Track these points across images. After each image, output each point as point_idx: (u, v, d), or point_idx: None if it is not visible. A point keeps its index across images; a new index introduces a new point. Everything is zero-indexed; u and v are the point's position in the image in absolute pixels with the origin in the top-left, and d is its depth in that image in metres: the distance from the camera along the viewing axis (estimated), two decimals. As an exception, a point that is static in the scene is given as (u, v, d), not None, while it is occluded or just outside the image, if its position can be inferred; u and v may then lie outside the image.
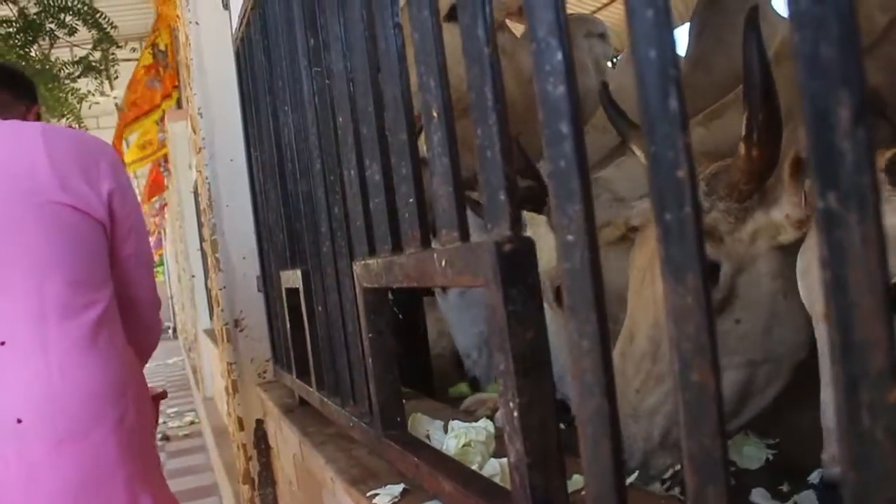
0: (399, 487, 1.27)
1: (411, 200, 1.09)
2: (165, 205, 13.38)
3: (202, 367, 7.11)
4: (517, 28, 2.53)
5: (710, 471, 0.56)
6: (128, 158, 8.99)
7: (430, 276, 1.01)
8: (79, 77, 7.00)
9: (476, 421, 1.40)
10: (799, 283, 1.17)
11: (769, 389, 1.35)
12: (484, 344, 2.33)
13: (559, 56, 0.69)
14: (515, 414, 0.81)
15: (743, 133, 1.16)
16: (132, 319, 1.83)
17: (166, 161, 10.26)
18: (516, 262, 0.80)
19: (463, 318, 2.32)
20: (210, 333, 6.11)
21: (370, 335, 1.34)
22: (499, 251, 0.80)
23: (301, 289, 1.89)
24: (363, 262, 1.34)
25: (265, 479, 2.75)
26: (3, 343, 1.56)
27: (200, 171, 2.88)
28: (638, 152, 1.51)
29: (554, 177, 0.70)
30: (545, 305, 1.98)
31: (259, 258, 2.64)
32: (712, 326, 0.55)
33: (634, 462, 1.34)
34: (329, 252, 1.62)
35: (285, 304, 2.15)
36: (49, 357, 1.58)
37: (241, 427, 2.76)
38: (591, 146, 1.75)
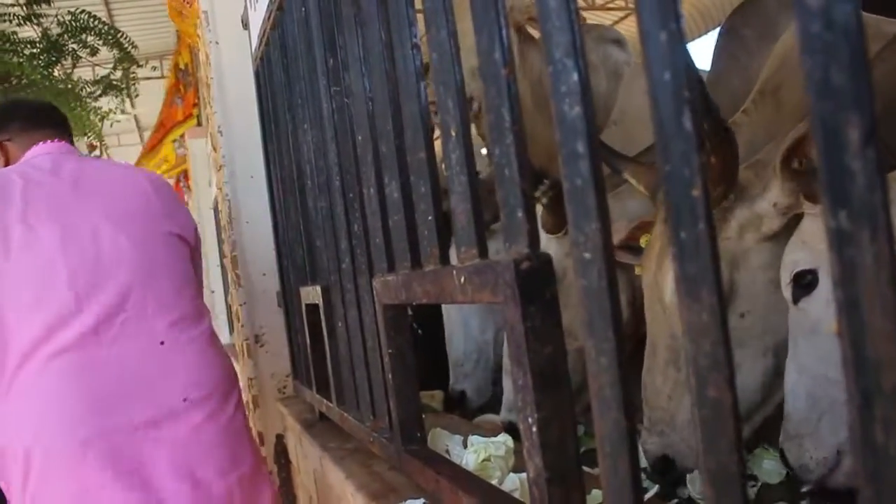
0: (419, 502, 1.28)
1: (430, 218, 1.11)
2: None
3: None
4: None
5: (727, 486, 0.57)
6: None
7: (449, 293, 1.02)
8: (100, 96, 7.08)
9: (495, 436, 1.41)
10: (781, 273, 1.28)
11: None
12: (481, 356, 2.34)
13: (575, 77, 0.70)
14: (534, 429, 0.82)
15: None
16: None
17: (185, 177, 10.36)
18: (534, 280, 0.81)
19: (468, 326, 2.32)
20: (230, 348, 6.14)
21: (390, 351, 1.35)
22: (517, 269, 0.81)
23: (321, 305, 1.91)
24: (382, 278, 1.35)
25: (285, 494, 2.76)
26: (162, 343, 1.89)
27: (221, 188, 2.91)
28: (632, 181, 1.55)
29: (570, 195, 0.71)
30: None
31: (279, 274, 2.67)
32: (728, 343, 0.56)
33: (681, 468, 1.39)
34: (349, 268, 1.64)
35: (305, 320, 2.17)
36: (195, 351, 1.95)
37: (262, 442, 2.78)
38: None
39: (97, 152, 10.35)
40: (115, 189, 1.97)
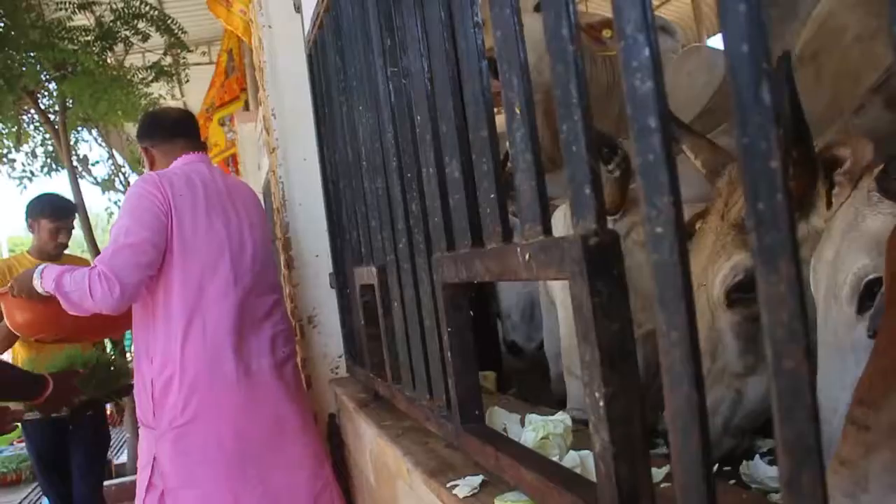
0: (478, 479, 1.29)
1: (492, 196, 1.11)
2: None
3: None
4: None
5: (804, 457, 0.57)
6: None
7: (513, 271, 1.03)
8: (152, 82, 7.17)
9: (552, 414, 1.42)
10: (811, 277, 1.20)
11: None
12: (527, 307, 2.36)
13: (646, 52, 0.70)
14: (601, 404, 0.82)
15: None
16: None
17: (234, 162, 10.47)
18: (602, 255, 0.82)
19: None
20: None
21: (449, 329, 1.36)
22: (585, 245, 0.82)
23: (376, 285, 1.93)
24: (443, 257, 1.36)
25: (339, 474, 2.79)
26: (275, 304, 2.58)
27: (274, 170, 2.94)
28: (690, 154, 1.51)
29: (643, 170, 0.71)
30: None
31: (331, 256, 2.69)
32: (805, 313, 0.56)
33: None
34: (406, 248, 1.65)
35: (359, 301, 2.19)
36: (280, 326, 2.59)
37: (315, 422, 2.81)
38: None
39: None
40: (248, 201, 2.64)
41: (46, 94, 6.47)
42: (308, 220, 2.81)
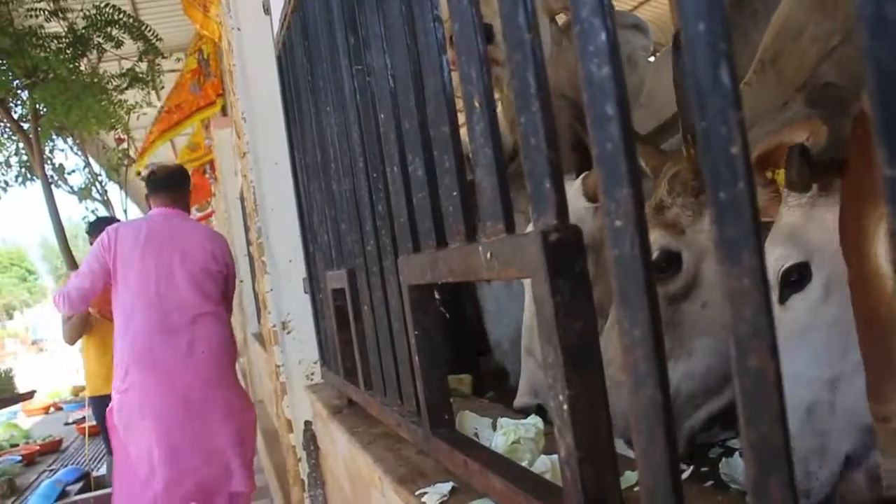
0: (448, 486, 1.25)
1: (455, 194, 1.08)
2: (212, 212, 13.53)
3: (251, 370, 7.18)
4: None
5: (771, 461, 0.54)
6: (180, 160, 9.11)
7: (476, 270, 0.99)
8: (126, 88, 7.11)
9: (525, 418, 1.38)
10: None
11: None
12: (519, 336, 2.32)
13: (603, 37, 0.67)
14: (565, 407, 0.79)
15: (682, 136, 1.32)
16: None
17: (212, 167, 10.40)
18: (564, 252, 0.78)
19: (505, 308, 2.30)
20: (259, 337, 6.16)
21: (416, 333, 1.33)
22: (545, 241, 0.78)
23: (347, 289, 1.89)
24: (407, 258, 1.33)
25: (315, 481, 2.75)
26: (202, 314, 3.45)
27: (245, 175, 2.90)
28: (641, 161, 1.57)
29: (600, 160, 0.67)
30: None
31: (305, 260, 2.65)
32: (770, 309, 0.53)
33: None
34: (374, 250, 1.61)
35: (332, 305, 2.15)
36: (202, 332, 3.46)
37: (291, 429, 2.77)
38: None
39: (125, 146, 10.43)
40: (191, 240, 3.51)
41: (19, 102, 6.39)
42: (281, 224, 2.76)
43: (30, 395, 6.24)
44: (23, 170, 7.64)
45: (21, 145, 7.27)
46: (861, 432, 1.14)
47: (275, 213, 2.76)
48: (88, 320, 4.92)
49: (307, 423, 2.76)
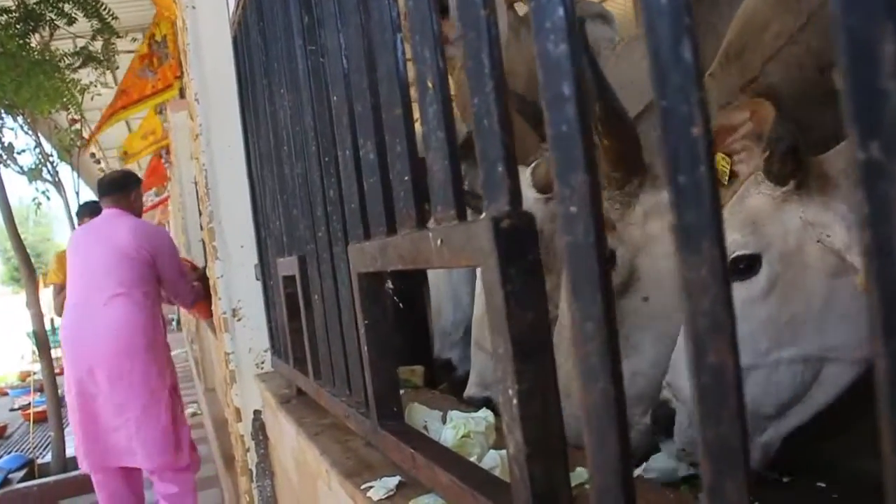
0: (395, 480, 1.22)
1: (406, 178, 1.04)
2: (167, 197, 13.33)
3: (204, 358, 7.08)
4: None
5: (728, 462, 0.51)
6: (129, 148, 8.94)
7: (426, 258, 0.95)
8: (79, 68, 6.93)
9: (475, 411, 1.35)
10: None
11: None
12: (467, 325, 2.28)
13: (560, 12, 0.63)
14: (515, 402, 0.75)
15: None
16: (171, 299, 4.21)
17: (168, 152, 10.21)
18: (516, 239, 0.75)
19: (458, 294, 2.26)
20: (212, 324, 6.07)
21: (366, 322, 1.29)
22: (496, 228, 0.74)
23: (297, 276, 1.84)
24: (358, 245, 1.28)
25: (263, 471, 2.70)
26: (114, 296, 3.75)
27: (198, 157, 2.82)
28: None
29: (555, 143, 0.64)
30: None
31: (257, 246, 2.60)
32: (731, 301, 0.50)
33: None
34: (324, 236, 1.57)
35: (282, 293, 2.10)
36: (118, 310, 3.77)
37: (239, 418, 2.71)
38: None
39: (78, 126, 10.18)
40: (118, 233, 3.83)
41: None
42: (233, 209, 2.69)
43: None
44: (-30, 148, 7.42)
45: (-32, 122, 7.07)
46: (759, 419, 1.27)
47: (227, 198, 2.69)
48: None
49: (256, 413, 2.71)
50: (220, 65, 2.69)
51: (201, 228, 6.81)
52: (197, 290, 4.20)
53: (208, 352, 6.90)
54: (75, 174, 11.30)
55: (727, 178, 1.33)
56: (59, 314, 5.76)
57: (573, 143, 0.63)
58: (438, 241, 0.89)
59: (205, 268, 4.25)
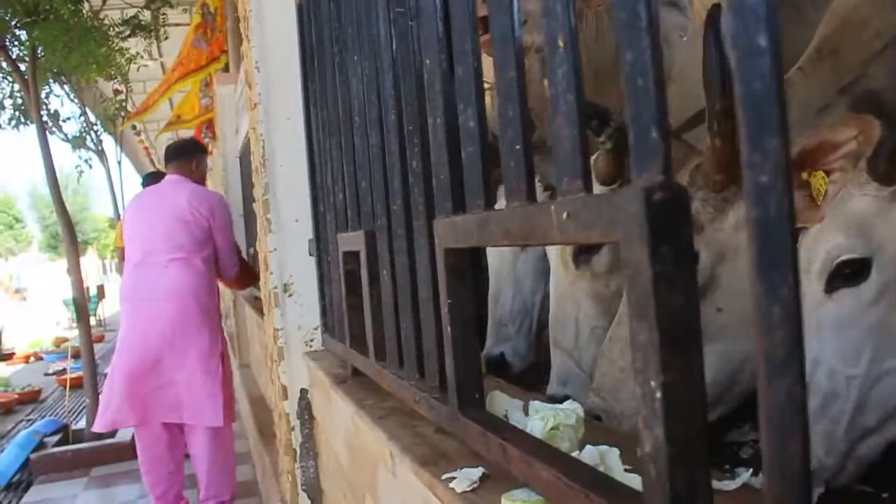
0: (478, 471, 1.14)
1: (518, 147, 0.96)
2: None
3: (239, 333, 7.05)
4: None
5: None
6: (182, 112, 8.92)
7: (543, 233, 0.87)
8: (129, 36, 6.92)
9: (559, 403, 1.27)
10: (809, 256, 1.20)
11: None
12: (527, 318, 2.19)
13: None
14: (658, 395, 0.67)
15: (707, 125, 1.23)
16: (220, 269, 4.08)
17: (209, 127, 10.20)
18: (669, 214, 0.66)
19: (521, 284, 2.17)
20: (250, 300, 6.04)
21: (449, 301, 1.21)
22: (648, 200, 0.66)
23: (363, 251, 1.77)
24: (446, 219, 1.21)
25: (307, 451, 2.64)
26: (172, 259, 3.80)
27: (254, 127, 2.76)
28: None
29: (746, 101, 0.56)
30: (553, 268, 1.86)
31: (313, 221, 2.53)
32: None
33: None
34: (400, 210, 1.49)
35: (342, 269, 2.03)
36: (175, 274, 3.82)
37: (286, 396, 2.65)
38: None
39: (122, 97, 10.22)
40: (175, 199, 3.88)
41: (17, 43, 6.19)
42: (289, 182, 2.62)
43: (9, 357, 6.16)
44: (16, 113, 7.42)
45: (16, 87, 7.06)
46: (857, 431, 1.19)
47: (283, 170, 2.62)
48: None
49: (303, 391, 2.65)
50: (283, 33, 2.62)
51: (243, 202, 6.78)
52: (240, 267, 4.17)
53: (244, 327, 6.88)
54: (118, 145, 11.38)
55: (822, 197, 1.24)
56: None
57: (768, 101, 0.55)
58: (564, 215, 0.81)
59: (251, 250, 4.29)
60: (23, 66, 5.95)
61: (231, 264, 4.09)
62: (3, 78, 6.95)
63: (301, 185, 2.58)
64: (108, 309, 17.98)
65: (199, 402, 3.76)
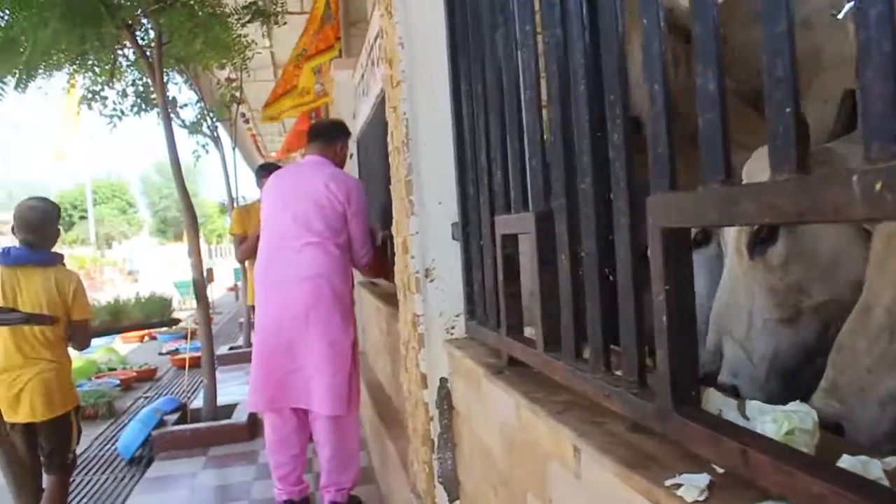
0: (704, 478, 1.02)
1: (788, 110, 0.83)
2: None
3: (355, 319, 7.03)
4: None
5: None
6: (284, 105, 8.99)
7: (835, 209, 0.74)
8: (249, 22, 6.98)
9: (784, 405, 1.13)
10: None
11: None
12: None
13: None
14: None
15: None
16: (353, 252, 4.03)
17: (317, 114, 10.26)
18: None
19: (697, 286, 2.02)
20: (366, 284, 6.01)
21: (666, 287, 1.09)
22: None
23: (533, 234, 1.66)
24: (663, 196, 1.09)
25: (445, 442, 2.55)
26: (308, 244, 3.82)
27: (395, 107, 2.67)
28: None
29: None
30: (727, 255, 1.70)
31: (460, 203, 2.43)
32: None
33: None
34: (589, 189, 1.38)
35: (500, 253, 1.93)
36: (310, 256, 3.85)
37: (425, 385, 2.57)
38: (814, 117, 1.50)
39: (236, 84, 10.38)
40: (313, 181, 3.91)
41: (142, 30, 6.30)
42: (433, 162, 2.52)
43: (175, 322, 6.42)
44: (138, 100, 7.57)
45: (138, 75, 7.20)
46: None
47: (427, 150, 2.52)
48: (256, 247, 5.50)
49: (442, 381, 2.56)
50: (427, 8, 2.52)
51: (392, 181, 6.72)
52: (373, 254, 4.11)
53: (360, 312, 6.87)
54: (231, 132, 11.58)
55: None
56: (241, 262, 6.79)
57: None
58: (876, 186, 0.68)
59: (384, 235, 4.20)
60: (148, 53, 6.04)
61: (364, 252, 4.02)
62: (128, 66, 7.09)
63: (446, 166, 2.49)
64: (215, 292, 18.42)
65: (324, 389, 3.76)
